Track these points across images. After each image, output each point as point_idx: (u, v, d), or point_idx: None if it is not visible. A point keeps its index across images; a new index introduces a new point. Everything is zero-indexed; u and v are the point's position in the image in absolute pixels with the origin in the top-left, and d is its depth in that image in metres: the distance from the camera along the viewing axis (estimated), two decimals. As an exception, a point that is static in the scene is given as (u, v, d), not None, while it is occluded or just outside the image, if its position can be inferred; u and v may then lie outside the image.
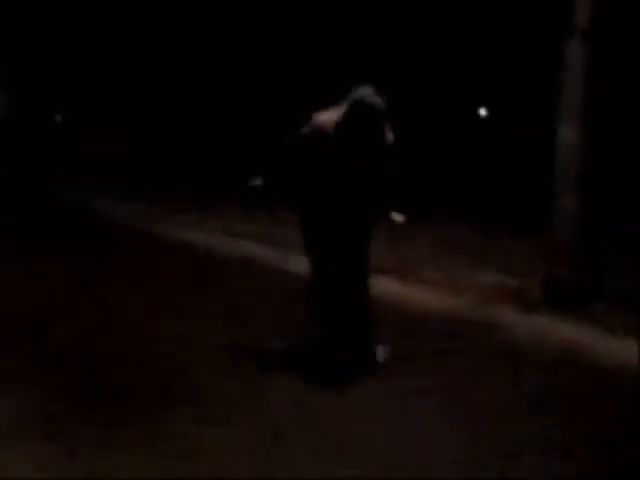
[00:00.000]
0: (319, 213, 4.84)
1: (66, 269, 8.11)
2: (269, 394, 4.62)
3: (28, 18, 24.14)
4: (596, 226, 6.56)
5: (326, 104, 4.92)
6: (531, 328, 6.06)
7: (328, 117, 4.76)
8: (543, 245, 6.91)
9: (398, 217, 5.11)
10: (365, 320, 4.98)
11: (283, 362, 5.06)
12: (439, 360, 5.29)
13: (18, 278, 7.64)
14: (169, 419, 4.22)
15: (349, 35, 16.74)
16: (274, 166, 4.94)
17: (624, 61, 7.31)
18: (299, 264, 7.45)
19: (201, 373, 4.98)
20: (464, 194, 13.70)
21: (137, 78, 22.16)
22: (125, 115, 22.48)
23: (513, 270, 7.62)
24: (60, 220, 12.22)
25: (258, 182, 4.99)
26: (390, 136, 4.88)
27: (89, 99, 23.86)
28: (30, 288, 7.24)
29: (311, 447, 3.89)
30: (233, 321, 6.13)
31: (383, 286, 7.34)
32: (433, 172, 16.69)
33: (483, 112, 22.62)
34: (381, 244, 8.97)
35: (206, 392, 4.64)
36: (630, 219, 8.33)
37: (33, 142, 24.91)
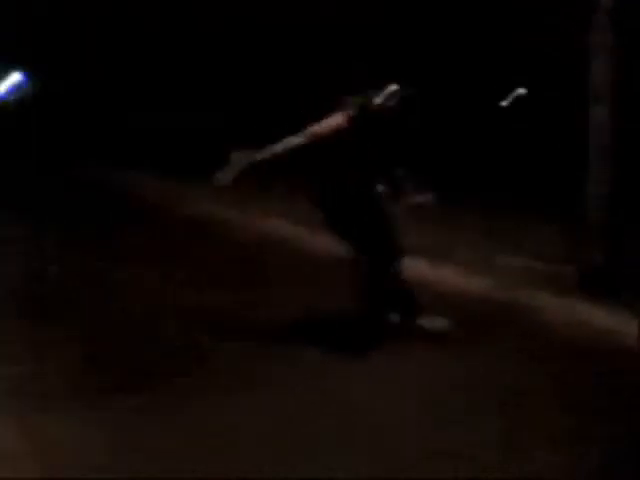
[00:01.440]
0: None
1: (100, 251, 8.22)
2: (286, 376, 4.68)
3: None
4: (629, 210, 6.50)
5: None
6: (564, 312, 6.04)
7: (328, 124, 5.10)
8: (577, 229, 6.86)
9: (423, 198, 5.38)
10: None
11: None
12: (469, 342, 5.31)
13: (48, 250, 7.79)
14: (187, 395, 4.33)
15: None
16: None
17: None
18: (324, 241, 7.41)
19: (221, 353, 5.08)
20: (497, 177, 13.57)
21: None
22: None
23: (546, 254, 7.56)
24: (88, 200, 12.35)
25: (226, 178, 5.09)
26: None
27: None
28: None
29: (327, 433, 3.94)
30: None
31: (413, 268, 7.35)
32: (466, 155, 16.57)
33: (521, 91, 22.26)
34: (411, 226, 8.99)
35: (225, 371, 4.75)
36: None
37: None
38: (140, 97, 24.33)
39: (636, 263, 6.53)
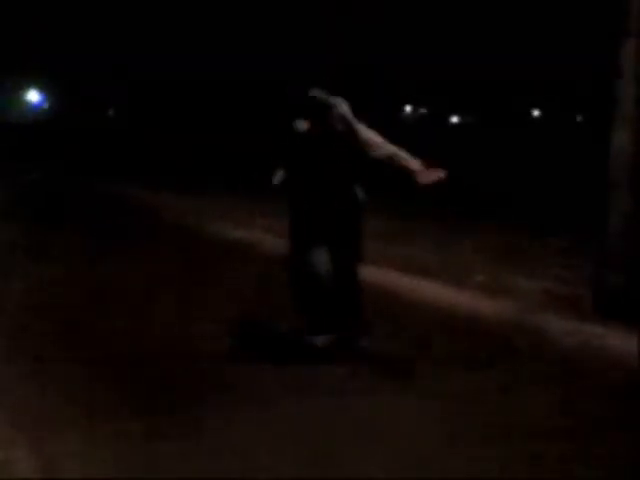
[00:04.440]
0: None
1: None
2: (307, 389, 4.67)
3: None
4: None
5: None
6: (579, 336, 5.94)
7: (302, 125, 5.34)
8: (595, 251, 6.77)
9: (434, 175, 5.27)
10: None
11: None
12: (480, 367, 5.23)
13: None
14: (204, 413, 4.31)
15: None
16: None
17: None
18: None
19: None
20: (514, 196, 13.54)
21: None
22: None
23: (563, 276, 7.47)
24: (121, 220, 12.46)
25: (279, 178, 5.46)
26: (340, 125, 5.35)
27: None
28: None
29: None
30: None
31: (428, 289, 7.31)
32: (481, 174, 16.53)
33: (536, 113, 22.26)
34: (427, 246, 8.95)
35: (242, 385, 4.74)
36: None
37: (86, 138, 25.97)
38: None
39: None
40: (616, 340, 5.77)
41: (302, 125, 5.28)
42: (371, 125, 5.44)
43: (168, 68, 26.78)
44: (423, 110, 49.73)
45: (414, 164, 5.24)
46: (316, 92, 5.42)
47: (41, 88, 42.22)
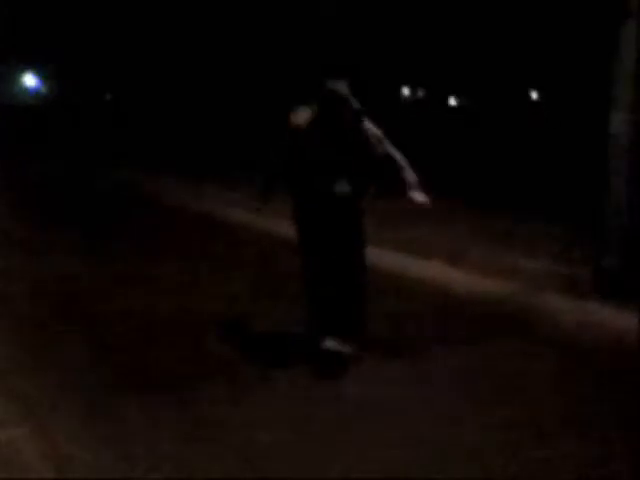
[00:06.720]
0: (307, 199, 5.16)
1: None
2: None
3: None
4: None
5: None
6: (579, 316, 6.02)
7: (303, 117, 5.19)
8: (594, 232, 6.83)
9: (420, 198, 5.05)
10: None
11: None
12: (480, 345, 5.32)
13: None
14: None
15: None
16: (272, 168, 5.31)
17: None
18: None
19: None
20: (515, 180, 13.54)
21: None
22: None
23: (564, 257, 7.53)
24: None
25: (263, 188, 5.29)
26: (350, 118, 5.16)
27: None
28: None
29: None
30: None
31: (429, 269, 7.37)
32: (483, 156, 16.53)
33: (534, 95, 22.23)
34: (428, 228, 8.99)
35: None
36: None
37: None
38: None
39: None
40: (615, 318, 5.85)
41: (303, 117, 5.14)
42: (369, 108, 5.31)
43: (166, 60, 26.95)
44: (421, 92, 49.51)
45: (410, 176, 5.07)
46: (338, 84, 5.12)
47: (38, 72, 41.92)
